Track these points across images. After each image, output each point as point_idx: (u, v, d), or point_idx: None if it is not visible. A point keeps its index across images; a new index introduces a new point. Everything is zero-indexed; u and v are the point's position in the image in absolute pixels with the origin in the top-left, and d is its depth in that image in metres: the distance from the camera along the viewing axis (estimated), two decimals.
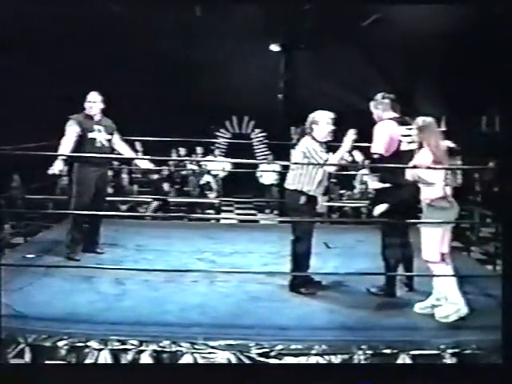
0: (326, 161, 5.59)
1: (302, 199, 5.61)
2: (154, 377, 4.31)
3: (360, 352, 4.44)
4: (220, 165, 13.32)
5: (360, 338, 4.60)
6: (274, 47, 14.46)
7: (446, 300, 5.08)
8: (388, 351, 4.47)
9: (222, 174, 13.52)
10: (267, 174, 13.89)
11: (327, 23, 12.65)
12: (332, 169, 5.82)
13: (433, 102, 12.49)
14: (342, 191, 12.60)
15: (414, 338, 4.67)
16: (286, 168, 6.23)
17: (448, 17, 11.19)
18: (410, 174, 5.15)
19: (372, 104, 5.80)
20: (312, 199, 5.66)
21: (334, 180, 11.56)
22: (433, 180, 5.04)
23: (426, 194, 5.10)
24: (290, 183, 5.71)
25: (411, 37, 12.86)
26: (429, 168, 5.03)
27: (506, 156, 4.50)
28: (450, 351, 4.48)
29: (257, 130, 16.14)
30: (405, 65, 14.15)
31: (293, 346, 4.46)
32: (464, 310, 5.06)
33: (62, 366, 4.42)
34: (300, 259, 5.63)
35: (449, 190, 5.09)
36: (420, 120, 5.16)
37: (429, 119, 5.16)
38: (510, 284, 4.29)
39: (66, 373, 4.32)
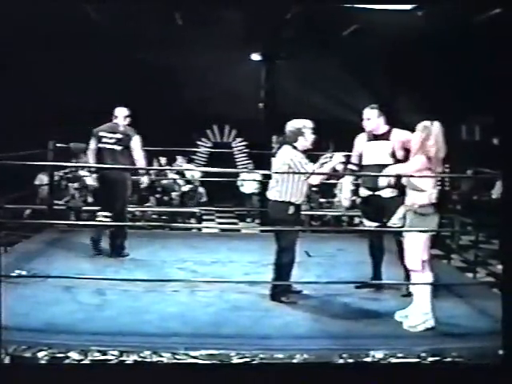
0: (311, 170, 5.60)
1: (291, 209, 5.59)
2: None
3: (341, 361, 4.44)
4: (189, 173, 13.32)
5: (341, 347, 4.59)
6: (255, 56, 14.47)
7: (416, 309, 5.04)
8: (369, 359, 4.48)
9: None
10: (248, 183, 13.87)
11: (308, 33, 12.72)
12: (316, 181, 5.77)
13: (412, 111, 12.56)
14: (322, 199, 12.61)
15: (396, 346, 4.66)
16: (266, 177, 6.21)
17: (428, 28, 11.27)
18: (405, 179, 5.13)
19: (376, 113, 5.87)
20: (298, 209, 5.67)
21: (314, 188, 11.57)
22: (423, 186, 5.01)
23: (413, 200, 5.06)
24: (276, 195, 5.65)
25: (391, 46, 12.98)
26: (420, 175, 5.00)
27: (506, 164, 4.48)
28: (430, 359, 4.49)
29: (238, 139, 16.13)
30: (384, 74, 14.24)
31: (274, 356, 4.45)
32: (431, 322, 4.99)
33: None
34: (284, 269, 5.62)
35: (435, 197, 5.06)
36: (425, 123, 5.04)
37: (436, 123, 5.04)
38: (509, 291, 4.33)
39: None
